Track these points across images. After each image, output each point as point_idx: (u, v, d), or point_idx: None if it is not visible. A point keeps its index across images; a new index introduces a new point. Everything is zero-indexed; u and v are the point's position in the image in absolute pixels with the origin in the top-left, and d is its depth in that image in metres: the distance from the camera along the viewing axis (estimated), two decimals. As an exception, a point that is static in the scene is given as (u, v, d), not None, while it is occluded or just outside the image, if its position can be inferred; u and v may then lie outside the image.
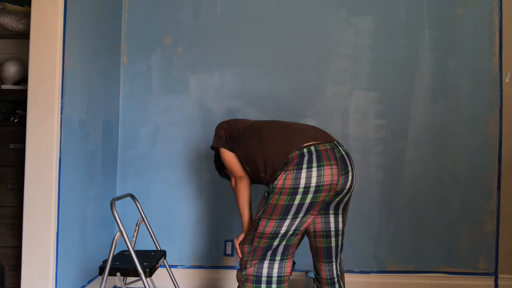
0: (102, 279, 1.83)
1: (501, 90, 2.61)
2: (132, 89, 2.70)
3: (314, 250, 1.81)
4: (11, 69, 2.31)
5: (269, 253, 1.67)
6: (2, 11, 2.25)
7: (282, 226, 1.62)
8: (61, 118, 1.94)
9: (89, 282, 2.32)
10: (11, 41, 2.42)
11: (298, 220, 1.62)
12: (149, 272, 1.84)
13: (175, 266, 2.62)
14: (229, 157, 1.84)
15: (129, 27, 2.71)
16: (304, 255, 2.65)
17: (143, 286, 1.83)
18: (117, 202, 1.87)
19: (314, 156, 1.58)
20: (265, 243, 1.66)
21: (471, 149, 2.62)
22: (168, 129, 2.67)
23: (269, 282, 1.68)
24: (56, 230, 1.92)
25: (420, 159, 2.63)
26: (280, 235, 1.64)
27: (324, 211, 1.73)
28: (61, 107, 1.94)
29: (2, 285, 2.08)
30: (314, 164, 1.57)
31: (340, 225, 1.77)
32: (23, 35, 2.19)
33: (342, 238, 1.80)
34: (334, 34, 2.66)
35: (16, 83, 2.33)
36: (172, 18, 2.69)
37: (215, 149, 1.92)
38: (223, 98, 2.67)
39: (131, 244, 1.85)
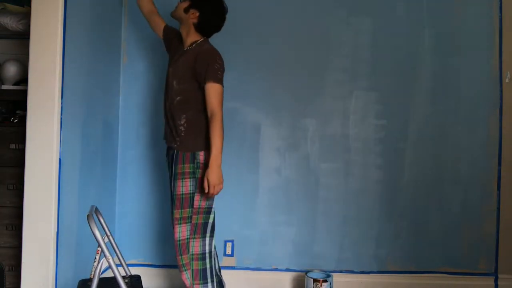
0: None
1: (501, 90, 2.61)
2: (132, 89, 2.70)
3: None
4: (11, 69, 2.31)
5: (207, 229, 2.00)
6: (2, 11, 2.25)
7: (212, 199, 2.02)
8: (61, 118, 1.93)
9: (89, 282, 2.32)
10: (11, 41, 2.42)
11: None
12: None
13: (175, 267, 2.62)
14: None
15: (129, 27, 2.71)
16: (304, 254, 2.65)
17: None
18: (100, 206, 1.78)
19: None
20: (202, 218, 1.95)
21: (471, 149, 2.61)
22: (168, 129, 2.67)
23: (210, 257, 1.99)
24: (56, 230, 1.92)
25: (420, 159, 2.63)
26: (212, 208, 2.02)
27: None
28: (61, 107, 1.93)
29: (2, 285, 2.07)
30: None
31: None
32: (23, 35, 2.19)
33: None
34: (334, 34, 2.66)
35: (16, 83, 2.32)
36: (172, 18, 2.69)
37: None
38: (223, 98, 2.66)
39: (122, 279, 1.56)
